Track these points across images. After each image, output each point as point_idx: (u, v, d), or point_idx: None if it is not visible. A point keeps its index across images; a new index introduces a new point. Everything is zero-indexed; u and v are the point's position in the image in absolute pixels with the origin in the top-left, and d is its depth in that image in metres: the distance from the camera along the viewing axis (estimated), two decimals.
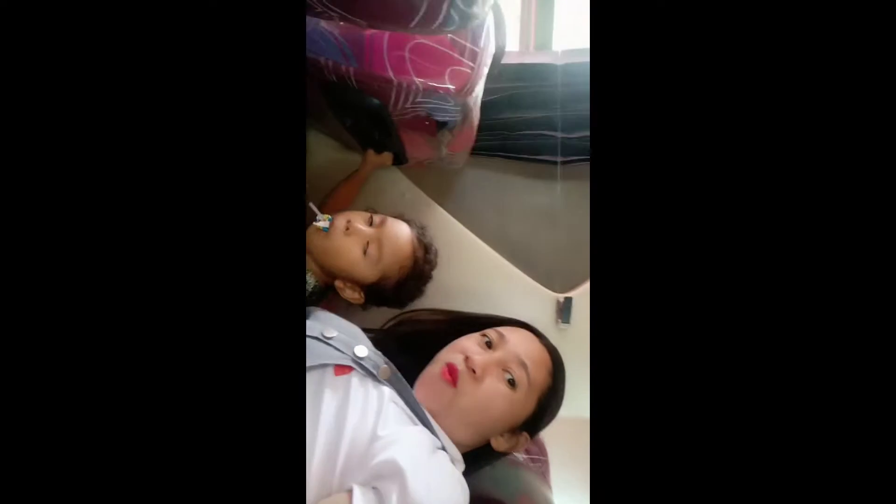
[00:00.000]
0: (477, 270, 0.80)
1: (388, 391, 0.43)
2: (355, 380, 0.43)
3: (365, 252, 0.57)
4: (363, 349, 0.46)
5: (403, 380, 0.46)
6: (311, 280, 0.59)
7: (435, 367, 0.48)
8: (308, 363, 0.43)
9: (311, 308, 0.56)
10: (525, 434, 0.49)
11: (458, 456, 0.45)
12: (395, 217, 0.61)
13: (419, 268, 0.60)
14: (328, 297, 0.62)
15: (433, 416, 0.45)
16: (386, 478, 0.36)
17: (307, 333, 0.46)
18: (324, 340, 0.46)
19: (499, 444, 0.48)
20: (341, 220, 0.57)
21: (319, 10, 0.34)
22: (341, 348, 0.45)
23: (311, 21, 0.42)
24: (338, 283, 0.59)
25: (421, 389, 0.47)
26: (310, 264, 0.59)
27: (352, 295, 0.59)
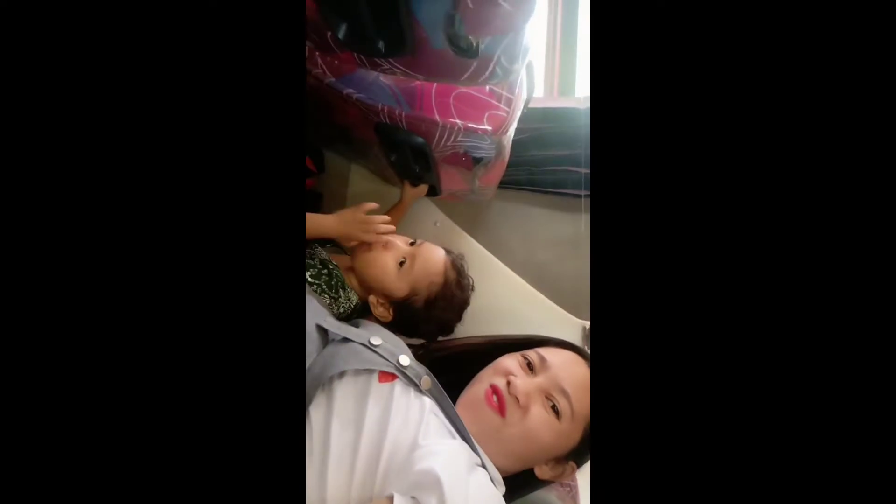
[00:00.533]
0: (505, 297, 0.83)
1: (429, 402, 0.44)
2: (398, 388, 0.44)
3: (400, 266, 0.61)
4: (406, 358, 0.47)
5: (444, 393, 0.46)
6: (353, 297, 0.63)
7: (478, 389, 0.48)
8: (354, 366, 0.45)
9: (359, 320, 0.60)
10: (572, 463, 0.48)
11: (499, 477, 0.44)
12: None
13: (449, 290, 0.62)
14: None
15: (475, 439, 0.44)
16: (424, 488, 0.36)
17: (356, 340, 0.48)
18: (370, 347, 0.48)
19: (543, 472, 0.48)
20: (383, 237, 0.63)
21: (387, 67, 0.41)
22: (386, 356, 0.47)
23: (371, 74, 0.50)
24: (371, 299, 0.62)
25: (464, 411, 0.46)
26: (351, 281, 0.64)
27: (382, 312, 0.62)
